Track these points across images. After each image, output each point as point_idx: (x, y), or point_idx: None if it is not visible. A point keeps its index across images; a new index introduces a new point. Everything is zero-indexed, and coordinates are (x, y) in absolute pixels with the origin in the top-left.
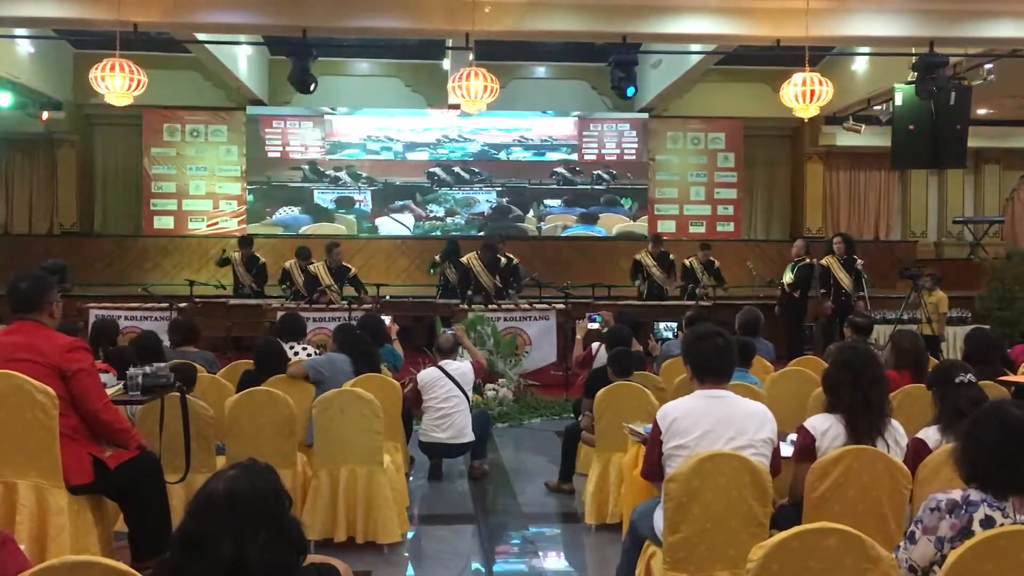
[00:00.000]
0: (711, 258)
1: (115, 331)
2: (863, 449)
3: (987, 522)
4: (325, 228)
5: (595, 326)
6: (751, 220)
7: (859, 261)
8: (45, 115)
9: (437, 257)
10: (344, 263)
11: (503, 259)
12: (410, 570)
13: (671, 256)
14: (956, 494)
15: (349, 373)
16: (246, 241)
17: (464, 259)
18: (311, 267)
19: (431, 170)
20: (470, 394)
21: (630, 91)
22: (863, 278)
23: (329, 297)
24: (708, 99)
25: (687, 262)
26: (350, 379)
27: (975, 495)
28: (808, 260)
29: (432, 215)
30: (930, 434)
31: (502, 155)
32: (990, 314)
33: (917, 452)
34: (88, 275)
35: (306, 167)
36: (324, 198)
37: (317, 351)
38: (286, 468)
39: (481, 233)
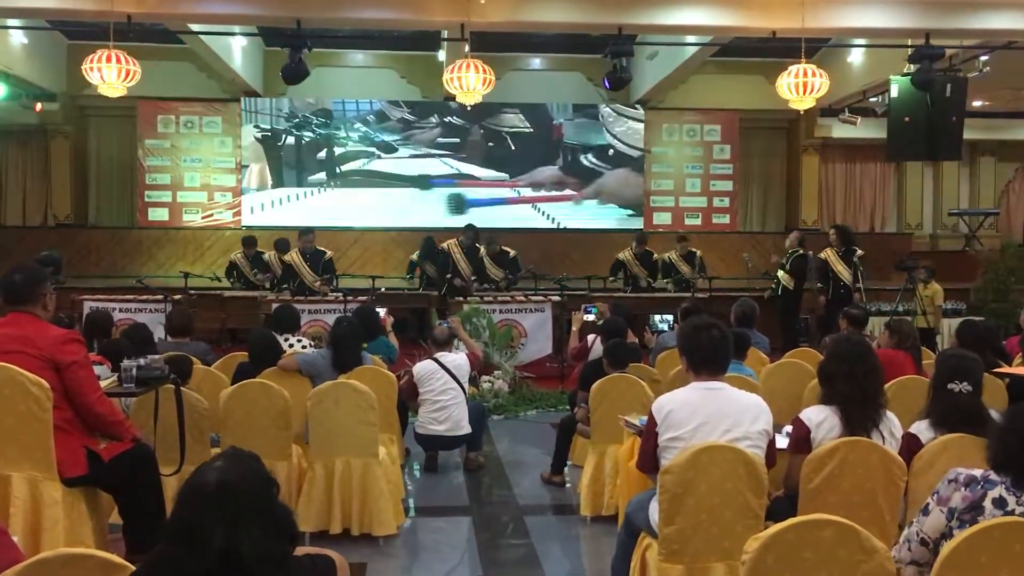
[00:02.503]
0: (691, 249)
1: (109, 323)
2: (858, 441)
3: (1000, 502)
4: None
5: (591, 318)
6: (747, 212)
7: (858, 252)
8: (38, 106)
9: (414, 257)
10: (319, 247)
11: (511, 252)
12: (405, 562)
13: (654, 256)
14: (977, 471)
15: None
16: (250, 241)
17: (444, 245)
18: (284, 256)
19: (426, 161)
20: (466, 386)
21: (608, 85)
22: (859, 270)
23: (317, 289)
24: (704, 91)
25: (665, 256)
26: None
27: (995, 476)
28: (802, 251)
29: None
30: (922, 428)
31: (497, 147)
32: (985, 306)
33: (910, 446)
34: (82, 267)
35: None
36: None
37: (312, 343)
38: (281, 460)
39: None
